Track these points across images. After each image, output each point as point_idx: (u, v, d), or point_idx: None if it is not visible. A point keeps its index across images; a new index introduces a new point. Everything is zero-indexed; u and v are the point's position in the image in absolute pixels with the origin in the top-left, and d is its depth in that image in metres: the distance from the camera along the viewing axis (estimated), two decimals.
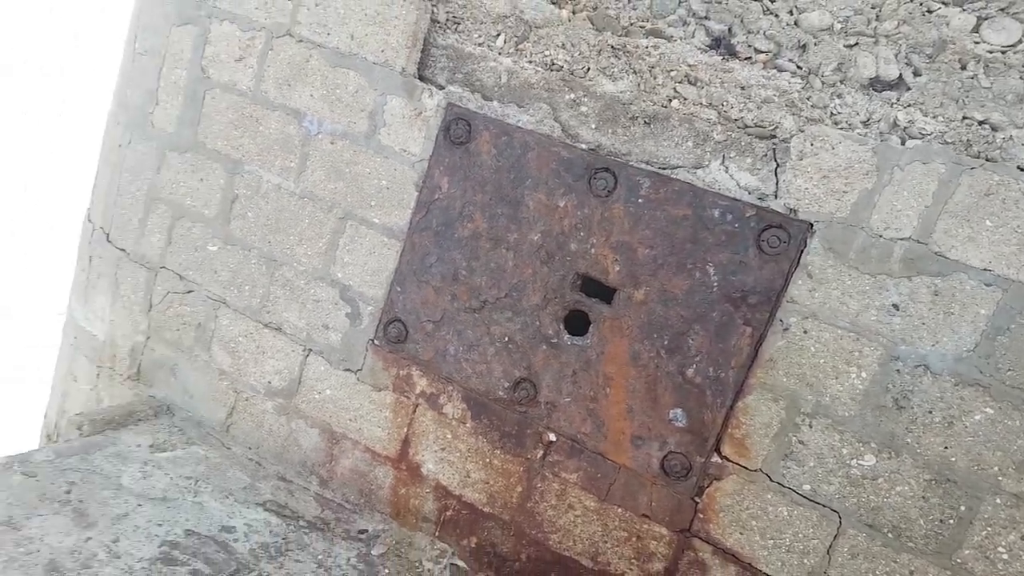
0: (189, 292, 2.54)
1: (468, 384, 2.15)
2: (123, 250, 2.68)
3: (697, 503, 1.89)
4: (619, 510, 1.98)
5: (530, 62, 2.04)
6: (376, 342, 2.27)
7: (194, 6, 2.43)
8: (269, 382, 2.43)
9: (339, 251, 2.29)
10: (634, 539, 1.96)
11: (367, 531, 2.27)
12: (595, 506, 2.00)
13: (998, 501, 1.62)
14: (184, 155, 2.49)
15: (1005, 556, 1.62)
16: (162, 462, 2.38)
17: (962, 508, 1.65)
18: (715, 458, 1.86)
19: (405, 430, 2.25)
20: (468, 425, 2.16)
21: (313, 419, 2.38)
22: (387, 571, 2.10)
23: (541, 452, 2.07)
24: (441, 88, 2.13)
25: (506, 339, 2.09)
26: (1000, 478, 1.61)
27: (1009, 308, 1.58)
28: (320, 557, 2.11)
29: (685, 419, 1.89)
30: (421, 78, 2.14)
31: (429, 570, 2.14)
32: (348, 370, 2.32)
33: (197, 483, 2.31)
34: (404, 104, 2.14)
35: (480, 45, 2.09)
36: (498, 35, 2.07)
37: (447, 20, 2.12)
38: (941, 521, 1.67)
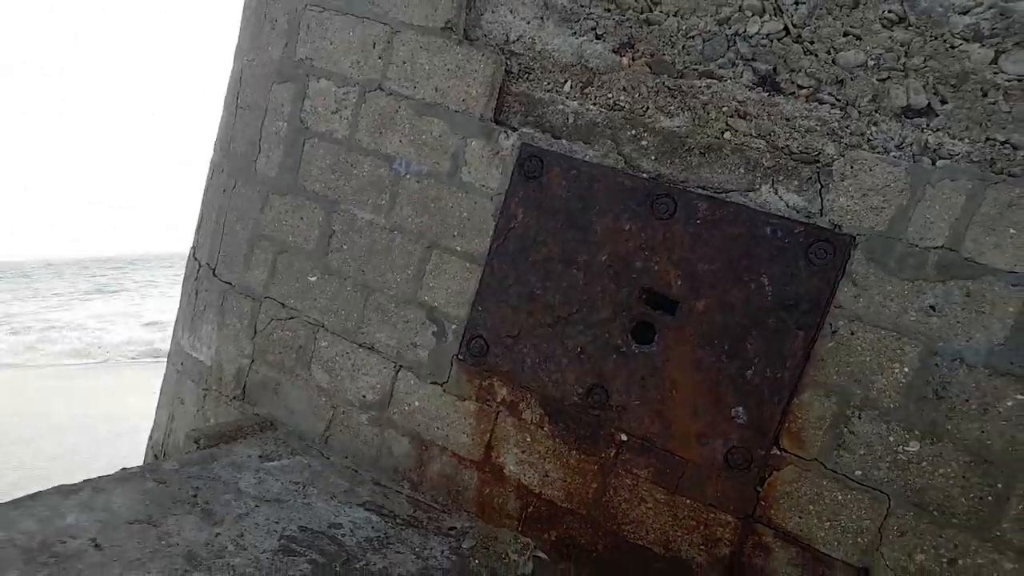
0: (291, 318, 2.93)
1: (545, 392, 2.47)
2: (229, 283, 3.10)
3: (759, 492, 2.16)
4: (688, 501, 2.25)
5: (594, 104, 2.39)
6: (460, 357, 2.60)
7: (293, 66, 2.87)
8: (364, 396, 2.79)
9: (426, 277, 2.65)
10: (702, 527, 2.23)
11: (456, 528, 2.58)
12: (665, 498, 2.28)
13: None
14: (285, 197, 2.91)
15: None
16: (272, 470, 2.74)
17: (999, 486, 1.89)
18: (774, 450, 2.14)
19: (488, 435, 2.57)
20: (546, 429, 2.47)
21: (404, 428, 2.72)
22: (476, 562, 2.41)
23: (614, 451, 2.36)
24: (515, 130, 2.49)
25: (579, 350, 2.41)
26: None
27: None
28: (417, 550, 2.43)
29: (746, 416, 2.16)
30: (497, 122, 2.51)
31: (514, 561, 2.43)
32: (435, 383, 2.66)
33: (304, 487, 2.66)
34: (483, 145, 2.51)
35: (549, 91, 2.45)
36: (565, 82, 2.43)
37: (519, 71, 2.49)
38: (981, 498, 1.91)
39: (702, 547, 2.24)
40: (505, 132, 2.49)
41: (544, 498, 2.49)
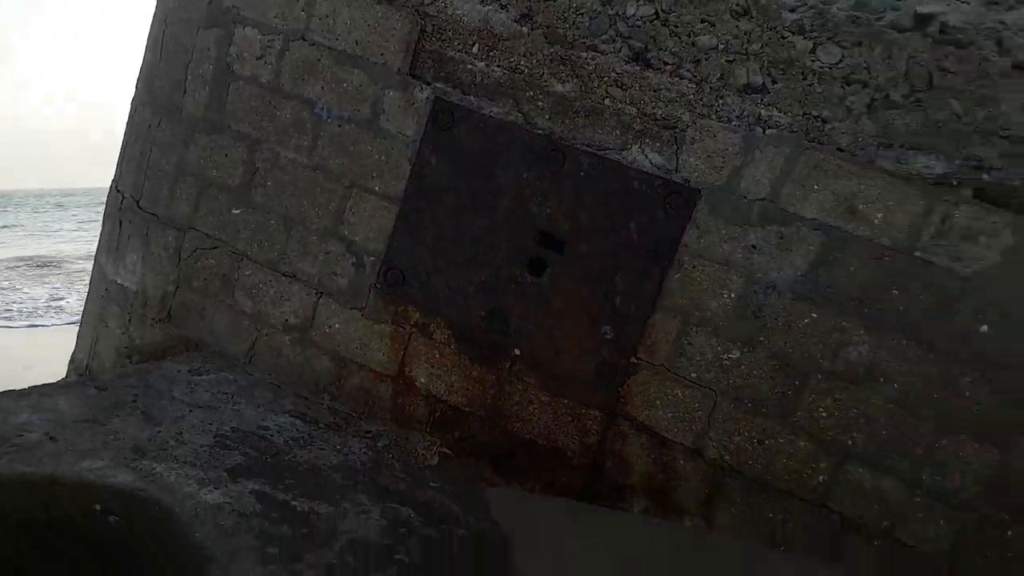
0: (215, 248, 3.27)
1: (452, 316, 2.96)
2: (154, 215, 3.39)
3: (620, 392, 2.75)
4: (566, 402, 2.82)
5: (499, 66, 2.83)
6: (377, 286, 3.04)
7: (220, 13, 3.14)
8: (286, 320, 3.19)
9: (346, 213, 3.05)
10: (576, 422, 2.81)
11: (372, 431, 3.06)
12: (548, 400, 2.84)
13: (819, 377, 2.52)
14: (211, 136, 3.21)
15: (824, 414, 2.53)
16: (201, 383, 3.12)
17: (796, 383, 2.55)
18: (633, 359, 2.72)
19: (402, 353, 3.05)
20: (453, 347, 2.97)
21: (324, 348, 3.16)
22: (390, 456, 2.91)
23: (509, 364, 2.89)
24: (429, 84, 2.90)
25: (483, 280, 2.90)
26: (821, 361, 2.51)
27: (828, 245, 2.47)
28: (338, 447, 2.89)
29: (613, 334, 2.73)
30: (413, 76, 2.91)
31: (423, 455, 2.95)
32: (354, 308, 3.09)
33: (233, 397, 3.06)
34: (400, 96, 2.91)
35: (459, 51, 2.87)
36: (473, 44, 2.85)
37: (433, 30, 2.89)
38: (783, 394, 2.56)
39: (575, 437, 2.82)
40: (420, 85, 2.90)
41: (450, 404, 3.00)
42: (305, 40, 3.02)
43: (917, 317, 2.42)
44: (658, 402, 2.71)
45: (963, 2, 2.35)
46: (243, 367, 3.29)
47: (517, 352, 2.87)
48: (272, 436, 2.84)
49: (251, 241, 3.21)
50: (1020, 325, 2.33)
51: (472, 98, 2.85)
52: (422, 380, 3.03)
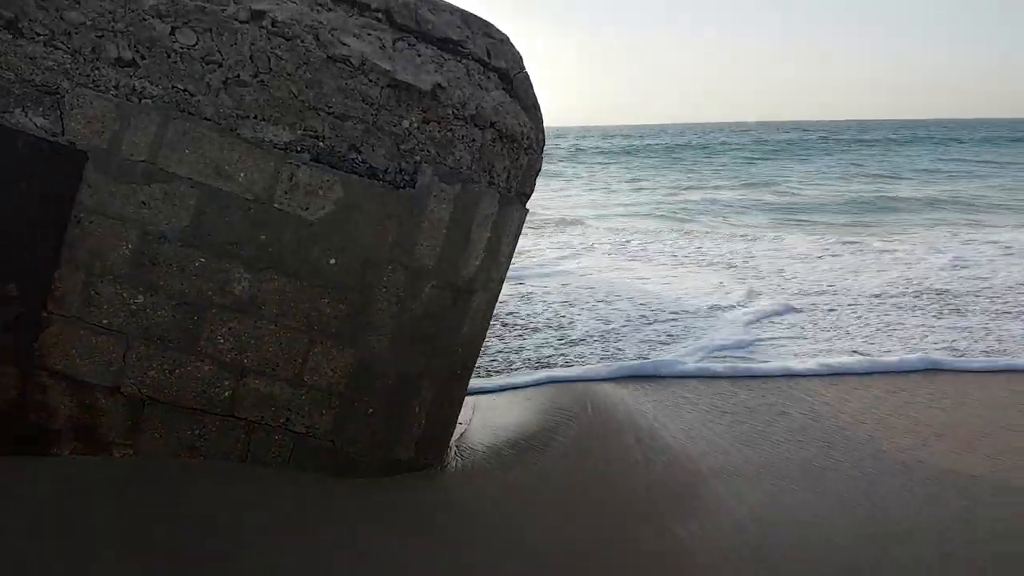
0: None
1: None
2: None
3: (35, 347, 2.99)
4: None
5: None
6: None
7: None
8: None
9: None
10: None
11: None
12: None
13: (214, 311, 3.08)
14: None
15: (222, 341, 3.11)
16: None
17: (196, 318, 3.07)
18: (44, 313, 2.97)
19: None
20: None
21: None
22: None
23: None
24: None
25: None
26: (213, 297, 3.07)
27: (204, 199, 3.00)
28: None
29: (18, 290, 2.94)
30: None
31: None
32: None
33: None
34: None
35: None
36: None
37: None
38: (186, 328, 3.08)
39: None
40: None
41: None
42: None
43: (283, 255, 3.11)
44: (74, 351, 3.01)
45: (292, 2, 3.00)
46: None
47: None
48: None
49: None
50: (353, 256, 3.15)
51: None
52: None
